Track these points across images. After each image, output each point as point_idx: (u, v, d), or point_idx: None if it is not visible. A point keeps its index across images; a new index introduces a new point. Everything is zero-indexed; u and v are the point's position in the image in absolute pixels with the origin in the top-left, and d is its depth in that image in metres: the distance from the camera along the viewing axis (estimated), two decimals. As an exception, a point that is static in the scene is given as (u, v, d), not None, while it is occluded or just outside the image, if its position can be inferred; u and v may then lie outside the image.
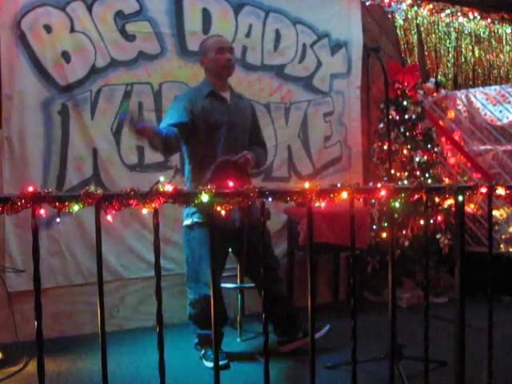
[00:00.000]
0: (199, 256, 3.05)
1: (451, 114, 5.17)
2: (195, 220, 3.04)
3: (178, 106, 3.08)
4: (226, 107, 3.14)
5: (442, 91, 5.24)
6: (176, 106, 3.10)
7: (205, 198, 1.69)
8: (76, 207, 1.54)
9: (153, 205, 1.62)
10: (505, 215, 4.70)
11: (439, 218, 4.51)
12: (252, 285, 3.53)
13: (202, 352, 3.16)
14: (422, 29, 5.39)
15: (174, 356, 3.20)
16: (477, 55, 5.76)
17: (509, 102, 4.84)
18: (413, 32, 5.30)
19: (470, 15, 5.57)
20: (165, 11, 3.99)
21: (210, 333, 3.00)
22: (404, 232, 4.43)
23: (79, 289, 3.72)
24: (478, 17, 5.63)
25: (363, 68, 4.79)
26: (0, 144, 3.53)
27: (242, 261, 3.24)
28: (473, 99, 5.06)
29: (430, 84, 5.19)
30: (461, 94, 5.16)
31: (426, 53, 5.45)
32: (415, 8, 5.28)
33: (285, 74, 4.45)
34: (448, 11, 5.46)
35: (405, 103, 4.64)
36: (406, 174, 4.52)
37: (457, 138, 5.06)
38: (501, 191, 2.23)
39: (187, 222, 3.10)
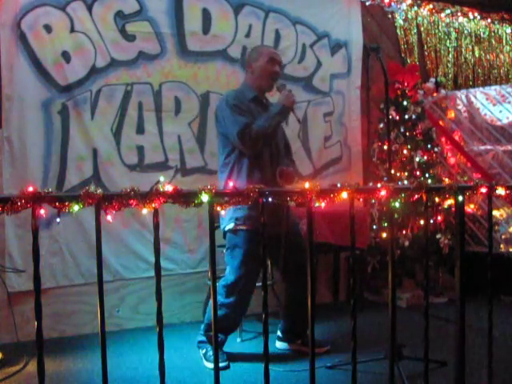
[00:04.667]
0: (241, 262, 3.05)
1: (451, 114, 5.17)
2: (239, 225, 3.03)
3: (239, 107, 3.02)
4: None
5: (442, 91, 5.24)
6: (236, 109, 3.02)
7: (205, 198, 1.69)
8: (76, 207, 1.54)
9: (153, 205, 1.62)
10: (505, 215, 4.70)
11: (439, 217, 4.51)
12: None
13: (203, 351, 3.16)
14: (422, 29, 5.39)
15: (173, 356, 3.22)
16: (477, 55, 5.76)
17: (509, 102, 4.84)
18: (413, 32, 5.30)
19: (470, 15, 5.57)
20: (165, 11, 3.99)
21: (222, 337, 3.06)
22: (404, 232, 4.43)
23: (79, 289, 3.72)
24: (478, 17, 5.63)
25: (363, 68, 4.78)
26: (0, 144, 3.54)
27: (280, 264, 3.22)
28: (473, 99, 5.06)
29: (430, 84, 5.19)
30: (461, 94, 5.17)
31: (426, 53, 5.45)
32: (415, 8, 5.28)
33: (284, 74, 4.43)
34: (448, 11, 5.46)
35: (405, 103, 4.64)
36: (406, 174, 4.52)
37: (457, 138, 5.06)
38: (501, 191, 2.23)
39: (230, 226, 3.07)
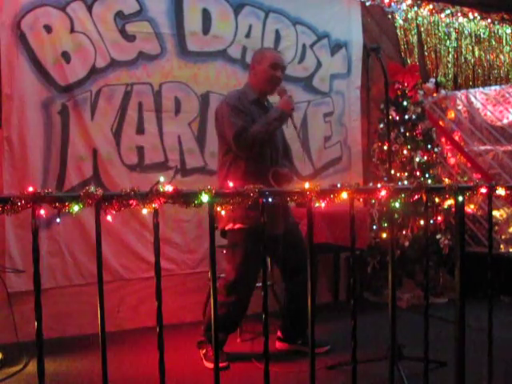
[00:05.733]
0: (241, 261, 3.05)
1: (451, 115, 5.17)
2: (238, 225, 3.02)
3: (238, 109, 3.03)
4: None
5: (442, 91, 5.24)
6: (235, 110, 3.03)
7: (205, 198, 1.69)
8: (76, 207, 1.53)
9: (153, 205, 1.62)
10: (505, 215, 4.70)
11: (439, 218, 4.51)
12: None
13: (203, 351, 3.16)
14: (422, 29, 5.39)
15: (173, 356, 3.21)
16: (477, 55, 5.76)
17: (509, 103, 4.84)
18: (413, 32, 5.30)
19: (470, 15, 5.58)
20: (165, 11, 3.99)
21: (222, 337, 3.06)
22: (404, 232, 4.43)
23: (79, 289, 3.72)
24: (478, 17, 5.64)
25: (363, 68, 4.78)
26: (0, 144, 3.54)
27: (279, 263, 3.27)
28: (473, 99, 5.06)
29: (430, 84, 5.19)
30: (461, 95, 5.17)
31: (426, 53, 5.46)
32: (415, 8, 5.28)
33: (284, 74, 4.43)
34: (448, 11, 5.46)
35: (405, 103, 4.64)
36: (406, 174, 4.52)
37: (457, 138, 5.06)
38: (501, 191, 2.23)
39: (229, 225, 3.07)
